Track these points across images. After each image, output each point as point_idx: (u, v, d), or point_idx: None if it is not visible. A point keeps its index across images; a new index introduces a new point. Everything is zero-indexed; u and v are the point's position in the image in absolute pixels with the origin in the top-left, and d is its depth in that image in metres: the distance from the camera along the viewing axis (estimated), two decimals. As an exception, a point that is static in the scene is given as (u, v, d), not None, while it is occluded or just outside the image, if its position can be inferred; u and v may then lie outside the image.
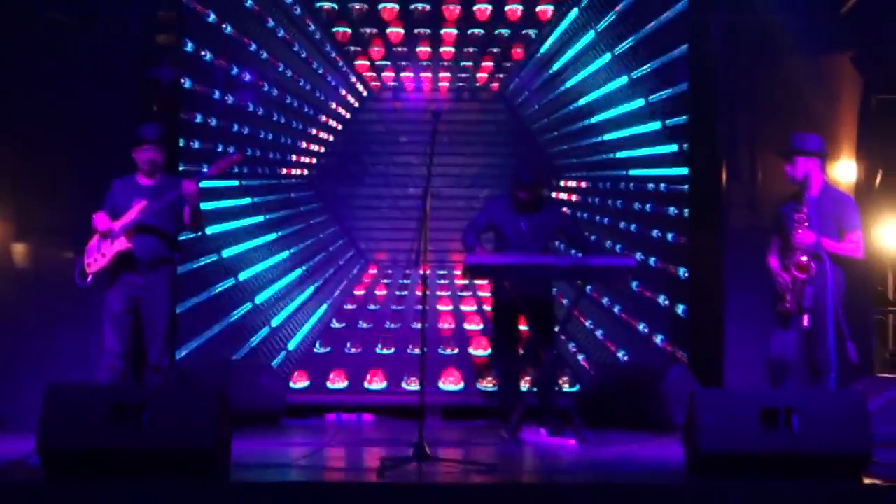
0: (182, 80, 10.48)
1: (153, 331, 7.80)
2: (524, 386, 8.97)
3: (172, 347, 9.65)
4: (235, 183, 10.56)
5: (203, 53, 10.55)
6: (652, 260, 10.52)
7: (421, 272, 7.03)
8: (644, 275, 10.41)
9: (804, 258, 7.33)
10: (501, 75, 10.84)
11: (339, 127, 10.81)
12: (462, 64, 10.82)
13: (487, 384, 10.42)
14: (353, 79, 10.84)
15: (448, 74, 10.83)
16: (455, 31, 10.78)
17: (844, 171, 9.81)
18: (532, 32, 10.80)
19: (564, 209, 10.00)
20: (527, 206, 8.68)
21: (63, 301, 9.17)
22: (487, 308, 10.50)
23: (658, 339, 10.44)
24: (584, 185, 10.69)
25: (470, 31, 10.78)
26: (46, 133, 9.71)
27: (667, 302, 10.48)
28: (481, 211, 8.93)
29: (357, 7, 10.76)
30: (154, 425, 6.07)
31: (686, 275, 10.42)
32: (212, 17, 10.56)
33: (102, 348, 7.81)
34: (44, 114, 9.74)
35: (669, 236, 10.51)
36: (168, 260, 7.92)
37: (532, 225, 8.67)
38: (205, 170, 7.99)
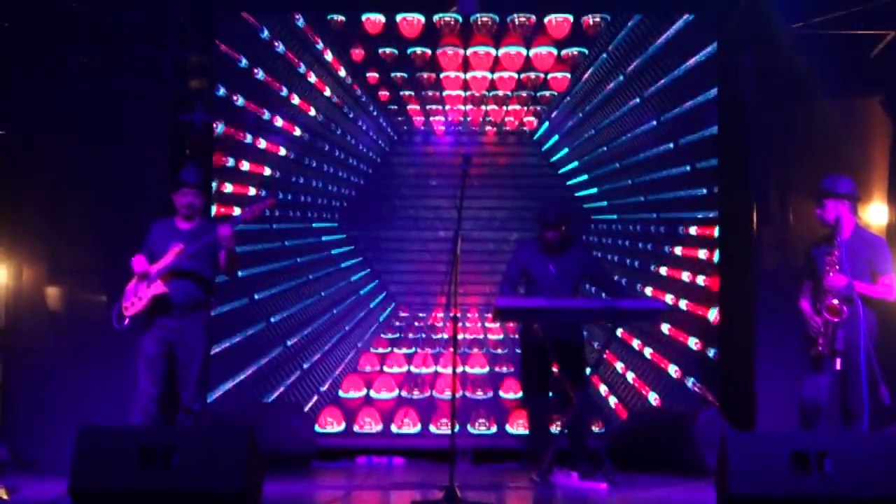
0: (215, 125, 10.56)
1: (187, 374, 7.82)
2: (555, 429, 8.94)
3: (205, 390, 9.75)
4: (267, 226, 10.61)
5: (235, 98, 10.63)
6: (683, 303, 10.49)
7: (451, 315, 7.03)
8: (675, 318, 10.38)
9: (836, 301, 7.31)
10: (532, 119, 10.88)
11: (370, 171, 10.86)
12: (491, 108, 10.86)
13: (518, 427, 10.39)
14: (384, 122, 10.89)
15: (478, 118, 10.87)
16: (486, 75, 10.83)
17: (876, 213, 9.78)
18: (560, 75, 10.84)
19: (594, 252, 9.96)
20: (554, 246, 8.68)
21: (96, 343, 9.26)
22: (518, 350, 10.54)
23: (689, 382, 10.40)
24: (614, 227, 10.68)
25: (499, 75, 10.82)
26: (80, 176, 9.84)
27: (698, 345, 10.44)
28: (511, 259, 8.93)
29: (387, 52, 10.83)
30: (184, 467, 6.09)
31: (717, 317, 10.38)
32: (244, 63, 10.65)
33: (136, 390, 7.84)
34: (77, 157, 9.87)
35: (700, 279, 10.48)
36: (203, 303, 7.95)
37: (560, 267, 8.68)
38: (239, 214, 8.04)
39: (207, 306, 8.03)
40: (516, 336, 10.44)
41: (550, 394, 8.79)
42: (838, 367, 7.28)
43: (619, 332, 10.00)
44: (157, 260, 7.84)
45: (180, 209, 8.00)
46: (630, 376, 10.52)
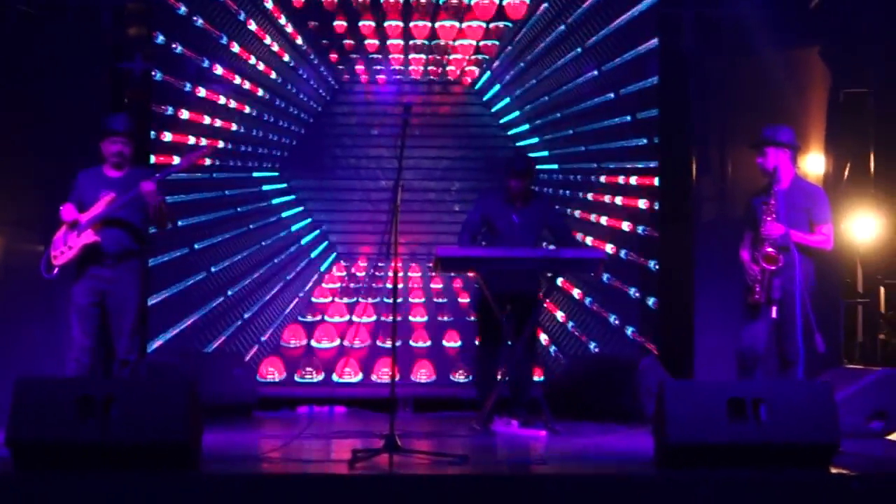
0: (153, 73, 10.43)
1: (121, 324, 7.72)
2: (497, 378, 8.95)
3: (142, 341, 9.67)
4: (207, 176, 10.51)
5: (174, 46, 10.50)
6: (623, 252, 10.54)
7: (392, 265, 7.00)
8: (615, 267, 10.43)
9: (772, 249, 7.36)
10: (473, 68, 10.83)
11: (311, 120, 10.78)
12: (433, 56, 10.80)
13: (459, 376, 10.42)
14: (325, 71, 10.80)
15: (419, 68, 10.81)
16: (427, 24, 10.76)
17: (813, 163, 9.86)
18: (502, 24, 10.79)
19: (556, 205, 9.91)
20: (518, 197, 8.66)
21: (32, 294, 9.11)
22: (463, 300, 10.56)
23: (629, 330, 10.48)
24: (555, 177, 10.69)
25: (440, 24, 10.76)
26: (15, 125, 9.65)
27: (637, 294, 10.51)
28: (473, 207, 8.88)
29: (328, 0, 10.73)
30: (123, 418, 6.03)
31: (657, 267, 10.45)
32: (182, 10, 10.51)
33: (70, 342, 7.75)
34: (13, 106, 9.69)
35: (640, 229, 10.53)
36: (135, 252, 7.82)
37: (524, 218, 8.65)
38: (173, 164, 7.91)
39: (140, 255, 7.88)
40: (458, 286, 10.53)
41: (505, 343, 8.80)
42: (774, 315, 7.34)
43: (560, 281, 10.08)
44: (87, 209, 7.70)
45: (109, 157, 7.84)
46: (570, 325, 10.58)
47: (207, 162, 10.38)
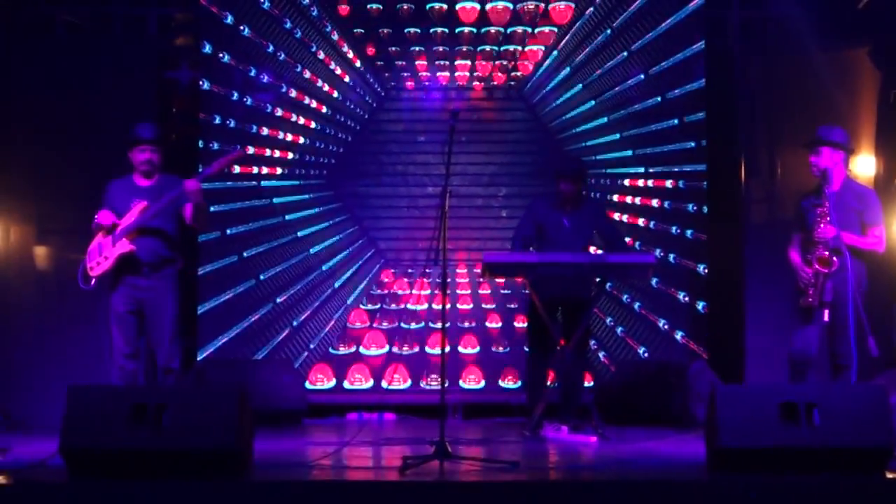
0: (200, 82, 10.49)
1: (160, 332, 7.79)
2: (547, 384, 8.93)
3: (189, 348, 9.73)
4: (255, 184, 10.56)
5: (221, 55, 10.55)
6: (671, 256, 10.48)
7: (440, 270, 7.00)
8: (664, 271, 10.37)
9: (826, 252, 7.30)
10: (519, 73, 10.82)
11: (358, 127, 10.80)
12: (479, 62, 10.80)
13: (508, 382, 10.40)
14: (370, 78, 10.82)
15: (465, 74, 10.81)
16: (472, 30, 10.76)
17: (863, 165, 9.77)
18: (548, 29, 10.77)
19: (606, 210, 9.85)
20: (569, 201, 8.65)
21: (83, 303, 9.17)
22: (511, 306, 10.53)
23: (678, 335, 10.41)
24: (602, 182, 10.65)
25: (486, 30, 10.75)
26: (66, 136, 9.77)
27: (687, 298, 10.44)
28: (524, 215, 8.89)
29: (374, 7, 10.75)
30: (175, 426, 6.07)
31: (705, 271, 10.38)
32: (229, 19, 10.56)
33: (112, 350, 7.83)
34: (63, 116, 9.81)
35: (689, 233, 10.47)
36: (171, 260, 7.89)
37: (575, 222, 8.65)
38: (205, 168, 7.94)
39: (174, 263, 7.94)
40: (506, 291, 10.51)
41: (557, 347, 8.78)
42: (826, 318, 7.29)
43: (609, 286, 10.04)
44: (120, 219, 7.77)
45: (139, 166, 7.90)
46: (619, 330, 10.54)
47: (240, 168, 10.41)
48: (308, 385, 10.34)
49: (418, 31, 10.77)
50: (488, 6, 10.71)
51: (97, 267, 7.74)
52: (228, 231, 10.32)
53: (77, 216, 9.31)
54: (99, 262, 7.74)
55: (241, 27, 10.60)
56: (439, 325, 7.39)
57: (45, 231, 9.83)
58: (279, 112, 10.67)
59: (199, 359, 10.19)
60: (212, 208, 10.26)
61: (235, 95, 10.59)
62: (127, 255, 7.71)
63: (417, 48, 10.79)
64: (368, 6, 10.75)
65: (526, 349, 9.00)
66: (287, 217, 10.65)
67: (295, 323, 10.54)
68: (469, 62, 10.78)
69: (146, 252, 7.76)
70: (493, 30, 10.75)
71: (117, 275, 7.77)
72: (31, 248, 9.84)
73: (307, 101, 10.72)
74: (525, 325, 9.15)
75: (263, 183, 10.62)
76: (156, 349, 7.82)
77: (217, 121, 10.52)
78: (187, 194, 7.67)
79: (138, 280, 7.77)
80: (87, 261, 7.79)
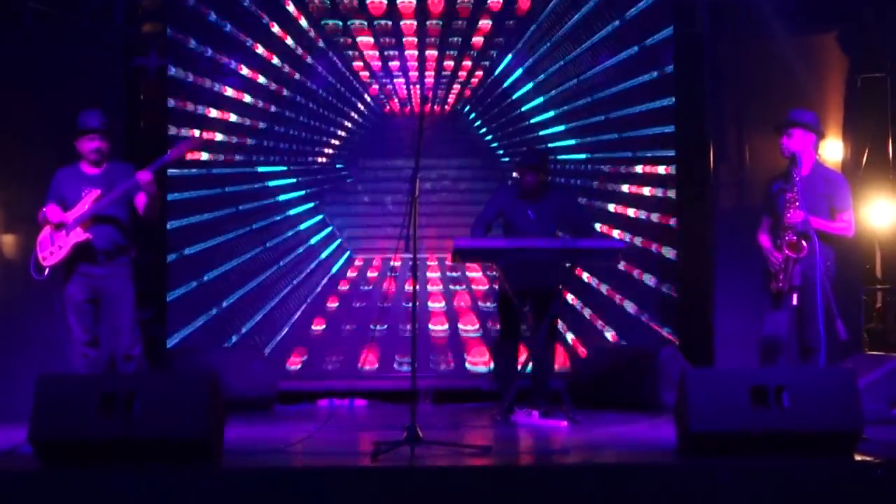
0: (168, 68, 10.43)
1: (119, 320, 7.68)
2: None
3: (158, 337, 9.70)
4: (222, 171, 10.56)
5: (188, 41, 10.50)
6: (639, 240, 10.52)
7: (411, 254, 6.96)
8: (632, 256, 10.40)
9: (795, 237, 7.32)
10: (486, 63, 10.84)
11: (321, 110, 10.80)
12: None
13: (477, 366, 10.42)
14: (341, 66, 10.80)
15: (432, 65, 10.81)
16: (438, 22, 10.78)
17: (832, 150, 9.80)
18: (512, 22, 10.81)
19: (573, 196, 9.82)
20: (534, 191, 8.64)
21: (51, 291, 9.10)
22: (479, 287, 10.56)
23: (647, 319, 10.44)
24: (569, 167, 10.67)
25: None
26: (33, 124, 9.65)
27: (655, 283, 10.48)
28: (488, 201, 8.88)
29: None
30: (145, 414, 6.05)
31: (675, 255, 10.42)
32: (191, 1, 10.53)
33: (71, 339, 7.74)
34: (30, 104, 9.68)
35: (656, 217, 10.50)
36: (126, 248, 7.77)
37: (539, 212, 8.63)
38: (162, 156, 7.75)
39: (129, 251, 7.81)
40: (474, 274, 10.53)
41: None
42: (795, 302, 7.31)
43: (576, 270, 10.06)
44: (70, 208, 7.65)
45: (88, 155, 7.75)
46: (587, 314, 10.56)
47: (209, 155, 10.39)
48: (287, 368, 10.32)
49: (389, 22, 10.76)
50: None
51: (51, 257, 7.61)
52: (200, 218, 10.33)
53: (44, 203, 9.25)
54: (52, 251, 7.61)
55: (208, 11, 10.55)
56: (409, 305, 7.33)
57: (12, 219, 9.72)
58: (247, 98, 10.62)
59: (168, 346, 10.16)
60: (183, 195, 10.29)
61: (207, 82, 10.55)
62: (82, 243, 7.59)
63: (387, 39, 10.77)
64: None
65: (496, 335, 8.99)
66: (241, 207, 10.62)
67: (265, 310, 10.52)
68: (435, 52, 10.77)
69: (101, 240, 7.64)
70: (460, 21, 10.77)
71: (71, 264, 7.64)
72: (-1, 237, 9.76)
73: (273, 86, 10.68)
74: (496, 311, 9.13)
75: (232, 169, 10.60)
76: (115, 338, 7.71)
77: (189, 108, 10.47)
78: (141, 185, 7.56)
79: (93, 269, 7.65)
80: (39, 251, 7.65)
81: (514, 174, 8.70)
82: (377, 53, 10.79)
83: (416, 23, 10.76)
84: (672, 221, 10.50)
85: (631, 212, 10.60)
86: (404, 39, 10.76)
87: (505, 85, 10.81)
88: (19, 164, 9.61)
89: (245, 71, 10.65)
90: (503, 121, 10.80)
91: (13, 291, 9.50)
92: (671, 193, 10.50)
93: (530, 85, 10.81)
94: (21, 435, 6.16)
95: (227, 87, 10.61)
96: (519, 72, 10.81)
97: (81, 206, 7.62)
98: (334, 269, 10.73)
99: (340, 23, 10.78)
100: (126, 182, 7.59)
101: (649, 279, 10.50)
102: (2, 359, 9.28)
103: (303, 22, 10.75)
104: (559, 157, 10.64)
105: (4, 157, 9.66)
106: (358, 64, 10.79)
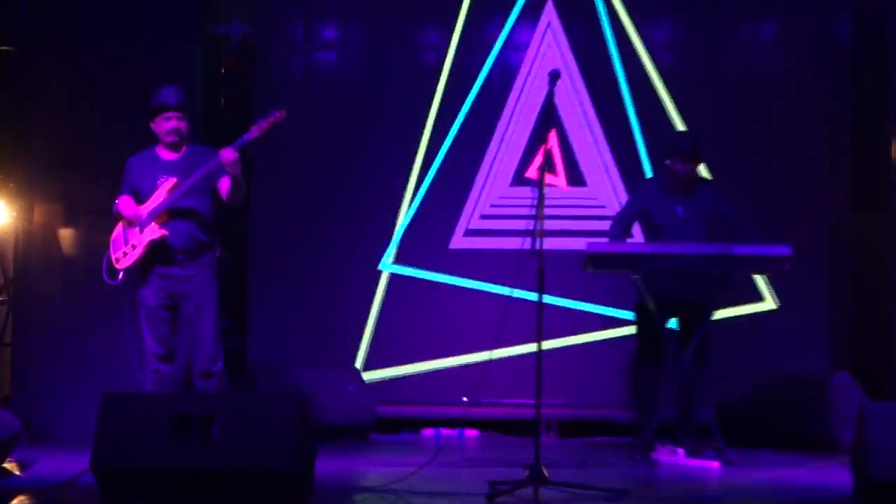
0: (254, 38, 10.54)
1: (200, 330, 7.75)
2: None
3: (237, 348, 9.77)
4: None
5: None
6: (804, 248, 10.37)
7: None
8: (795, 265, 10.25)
9: None
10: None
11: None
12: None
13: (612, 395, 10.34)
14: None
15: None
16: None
17: None
18: None
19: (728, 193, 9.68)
20: (683, 185, 8.54)
21: (113, 297, 9.21)
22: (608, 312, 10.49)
23: (815, 342, 10.30)
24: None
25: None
26: (98, 101, 9.75)
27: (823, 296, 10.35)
28: (628, 199, 8.84)
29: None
30: (225, 441, 6.07)
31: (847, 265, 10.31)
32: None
33: (143, 352, 7.83)
34: (95, 79, 9.78)
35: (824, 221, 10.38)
36: (208, 246, 7.83)
37: (690, 210, 8.53)
38: (244, 134, 7.72)
39: (212, 249, 7.88)
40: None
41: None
42: None
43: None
44: (145, 200, 7.72)
45: (165, 137, 7.80)
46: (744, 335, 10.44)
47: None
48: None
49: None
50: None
51: (124, 258, 7.69)
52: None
53: (111, 194, 9.36)
54: (126, 252, 7.68)
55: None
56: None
57: (73, 211, 9.83)
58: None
59: (249, 362, 10.23)
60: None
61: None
62: (158, 241, 7.65)
63: None
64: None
65: (634, 357, 8.90)
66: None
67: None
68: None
69: (180, 237, 7.69)
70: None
71: (147, 266, 7.72)
72: (56, 231, 9.87)
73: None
74: (634, 329, 9.04)
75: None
76: (195, 350, 7.78)
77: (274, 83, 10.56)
78: (225, 165, 7.57)
79: (172, 270, 7.71)
80: (112, 252, 7.76)
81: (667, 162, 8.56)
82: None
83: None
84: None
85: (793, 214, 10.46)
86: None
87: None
88: (81, 149, 9.72)
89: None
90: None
91: (75, 296, 9.60)
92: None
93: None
94: (83, 462, 6.23)
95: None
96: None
97: (157, 197, 7.69)
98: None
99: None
100: (206, 164, 7.63)
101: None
102: (62, 375, 9.40)
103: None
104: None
105: (65, 141, 9.77)
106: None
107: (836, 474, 7.16)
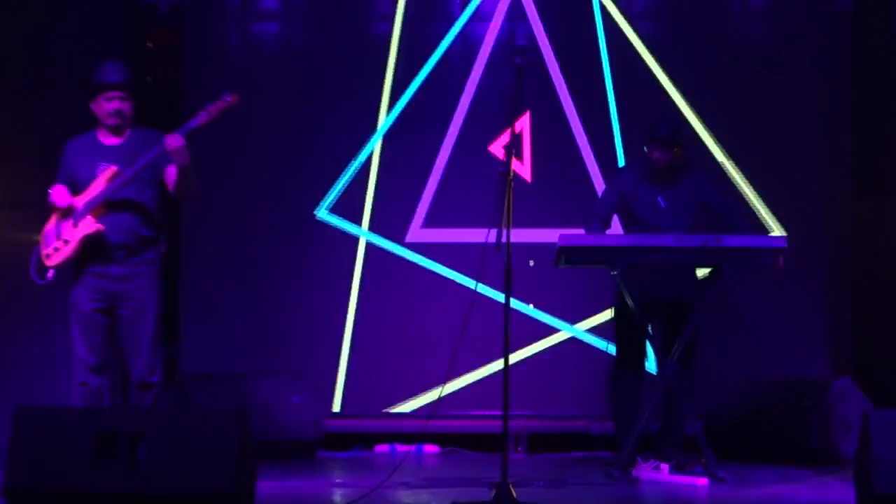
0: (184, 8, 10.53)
1: (137, 336, 7.71)
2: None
3: (170, 357, 9.73)
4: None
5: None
6: (800, 239, 10.43)
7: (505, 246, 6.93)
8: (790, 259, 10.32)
9: None
10: None
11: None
12: None
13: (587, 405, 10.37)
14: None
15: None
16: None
17: None
18: None
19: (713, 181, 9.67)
20: (665, 173, 8.57)
21: (31, 296, 9.16)
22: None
23: (812, 343, 10.36)
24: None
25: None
26: (10, 83, 9.69)
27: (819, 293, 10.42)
28: (605, 189, 8.86)
29: None
30: (155, 461, 6.05)
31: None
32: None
33: (72, 361, 7.77)
34: (5, 56, 9.73)
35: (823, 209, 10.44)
36: (151, 241, 7.79)
37: (672, 199, 8.57)
38: (191, 119, 7.69)
39: (156, 245, 7.85)
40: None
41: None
42: None
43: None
44: (83, 190, 7.67)
45: (106, 119, 7.75)
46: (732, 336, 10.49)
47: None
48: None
49: None
50: None
51: (55, 254, 7.62)
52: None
53: (31, 186, 9.28)
54: (57, 247, 7.63)
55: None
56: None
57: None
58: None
59: (181, 371, 10.21)
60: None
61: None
62: (93, 236, 7.59)
63: None
64: None
65: (613, 363, 8.92)
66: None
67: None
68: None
69: (119, 232, 7.64)
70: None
71: (81, 263, 7.67)
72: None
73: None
74: (613, 332, 9.05)
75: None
76: (132, 358, 7.74)
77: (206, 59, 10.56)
78: (169, 153, 7.53)
79: (110, 268, 7.66)
80: (43, 247, 7.70)
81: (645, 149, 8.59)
82: None
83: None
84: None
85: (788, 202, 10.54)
86: None
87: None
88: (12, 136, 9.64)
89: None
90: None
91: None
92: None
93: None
94: (-7, 485, 6.20)
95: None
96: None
97: (95, 186, 7.64)
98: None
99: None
100: (151, 151, 7.58)
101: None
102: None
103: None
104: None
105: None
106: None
107: (837, 491, 7.26)
